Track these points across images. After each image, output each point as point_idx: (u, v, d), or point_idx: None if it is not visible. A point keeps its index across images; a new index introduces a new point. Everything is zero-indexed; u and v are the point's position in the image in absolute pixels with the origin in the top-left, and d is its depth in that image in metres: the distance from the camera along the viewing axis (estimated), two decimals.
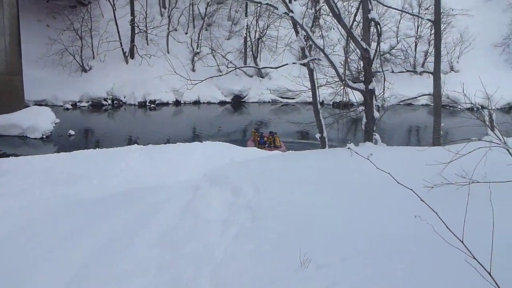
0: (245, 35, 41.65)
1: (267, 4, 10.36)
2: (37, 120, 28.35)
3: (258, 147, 25.09)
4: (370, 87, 9.59)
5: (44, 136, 27.92)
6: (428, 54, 43.18)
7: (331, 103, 39.83)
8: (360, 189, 6.96)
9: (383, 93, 10.57)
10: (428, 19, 11.90)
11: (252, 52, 42.72)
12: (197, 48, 42.16)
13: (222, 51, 42.10)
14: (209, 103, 40.23)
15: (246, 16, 43.67)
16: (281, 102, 41.63)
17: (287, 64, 11.59)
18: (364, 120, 9.83)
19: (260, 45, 43.31)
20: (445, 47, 41.01)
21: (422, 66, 41.94)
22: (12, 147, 25.46)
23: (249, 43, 42.68)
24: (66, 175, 12.32)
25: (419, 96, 12.51)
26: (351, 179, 7.46)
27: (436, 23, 11.77)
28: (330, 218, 6.14)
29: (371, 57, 9.61)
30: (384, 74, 10.72)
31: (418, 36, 43.68)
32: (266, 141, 25.94)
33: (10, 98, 28.86)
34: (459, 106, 29.55)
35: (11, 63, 29.68)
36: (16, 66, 30.14)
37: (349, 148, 7.46)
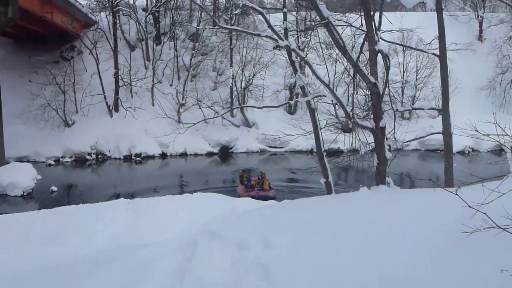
0: (231, 84, 41.10)
1: (266, 36, 9.52)
2: (18, 177, 27.11)
3: (246, 191, 24.50)
4: (380, 124, 8.69)
5: (25, 193, 26.62)
6: (416, 99, 42.97)
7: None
8: (388, 237, 5.92)
9: (394, 132, 9.65)
10: (433, 53, 11.10)
11: (238, 102, 42.11)
12: (182, 100, 41.45)
13: (208, 101, 41.46)
14: (196, 154, 39.21)
15: (231, 66, 43.28)
16: (269, 151, 40.77)
17: (288, 102, 10.66)
18: (376, 161, 8.86)
19: (246, 95, 42.77)
20: (432, 91, 40.84)
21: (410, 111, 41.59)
22: None
23: (235, 93, 42.11)
24: (42, 234, 11.11)
25: (428, 135, 11.54)
26: (374, 225, 6.41)
27: (442, 57, 10.99)
28: (361, 274, 5.06)
29: (380, 92, 8.76)
30: (394, 111, 9.86)
31: (404, 81, 43.48)
32: (254, 185, 25.03)
33: None
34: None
35: None
36: None
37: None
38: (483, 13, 50.20)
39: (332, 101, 9.17)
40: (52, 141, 36.59)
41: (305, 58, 9.69)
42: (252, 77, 42.11)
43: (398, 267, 5.12)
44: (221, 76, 44.96)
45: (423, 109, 11.89)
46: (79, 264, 8.00)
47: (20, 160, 32.44)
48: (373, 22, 8.55)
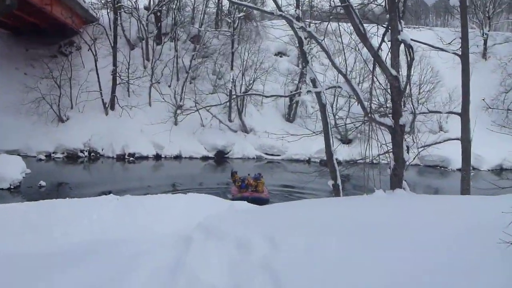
0: (230, 88, 40.28)
1: (281, 15, 8.70)
2: (5, 169, 26.08)
3: (240, 192, 24.34)
4: (400, 122, 7.88)
5: (12, 187, 25.61)
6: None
7: (318, 160, 38.57)
8: (407, 241, 5.11)
9: (414, 132, 8.85)
10: (454, 53, 10.32)
11: (237, 107, 41.31)
12: (180, 101, 40.59)
13: (207, 104, 40.59)
14: (191, 158, 38.35)
15: (232, 69, 42.53)
16: (266, 158, 39.94)
17: (299, 92, 9.82)
18: (392, 163, 8.04)
19: (245, 99, 41.96)
20: (434, 106, 40.14)
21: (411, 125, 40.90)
22: None
23: (234, 97, 41.30)
24: (22, 225, 10.22)
25: (446, 141, 10.74)
26: (392, 229, 5.59)
27: (464, 57, 10.23)
28: (378, 280, 4.24)
29: (401, 87, 7.96)
30: (414, 109, 9.06)
31: (407, 95, 42.75)
32: (248, 186, 24.68)
33: None
34: (450, 167, 27.95)
35: None
36: None
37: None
38: (488, 31, 49.76)
39: (348, 94, 8.39)
40: (44, 136, 35.70)
41: (322, 43, 8.87)
42: (253, 82, 41.35)
43: (415, 272, 4.35)
44: (221, 79, 44.23)
45: (441, 112, 11.12)
46: (55, 255, 7.11)
47: (10, 153, 31.36)
48: (397, 9, 7.79)
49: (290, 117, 43.11)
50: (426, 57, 39.85)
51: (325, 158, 38.08)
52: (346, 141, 36.69)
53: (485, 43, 49.73)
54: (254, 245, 5.29)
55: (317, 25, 10.24)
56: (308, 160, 39.48)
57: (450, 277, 4.19)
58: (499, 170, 39.72)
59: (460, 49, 10.39)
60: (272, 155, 40.08)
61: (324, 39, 9.00)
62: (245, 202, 18.43)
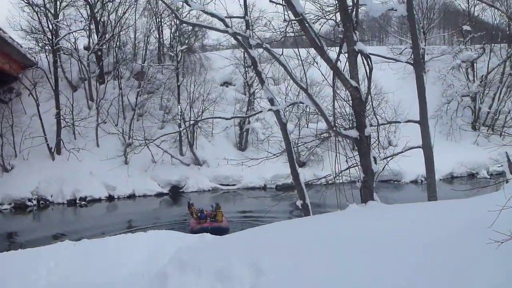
0: (179, 121, 39.76)
1: (235, 33, 8.42)
2: None
3: (199, 222, 24.46)
4: (365, 133, 7.71)
5: None
6: None
7: (274, 186, 38.41)
8: (391, 254, 4.85)
9: (378, 142, 8.72)
10: (407, 62, 10.35)
11: (188, 140, 40.77)
12: (129, 139, 39.69)
13: (156, 140, 39.87)
14: (145, 195, 37.47)
15: (179, 103, 42.11)
16: (221, 189, 39.48)
17: (261, 111, 9.58)
18: (362, 175, 7.84)
19: (195, 132, 41.49)
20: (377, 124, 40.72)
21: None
22: None
23: (184, 130, 40.73)
24: None
25: (407, 150, 10.67)
26: (376, 243, 5.33)
27: (417, 64, 10.25)
28: None
29: (362, 97, 7.82)
30: (377, 120, 8.95)
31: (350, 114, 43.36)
32: (207, 216, 24.97)
33: None
34: (403, 180, 28.31)
35: None
36: None
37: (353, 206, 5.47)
38: (425, 45, 51.34)
39: (307, 108, 8.18)
40: None
41: (279, 57, 8.64)
42: (201, 114, 40.95)
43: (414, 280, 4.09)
44: (169, 114, 43.70)
45: (400, 122, 11.07)
46: None
47: None
48: (351, 20, 7.68)
49: (241, 145, 42.94)
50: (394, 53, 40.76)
51: (280, 183, 38.03)
52: (300, 164, 36.70)
53: (423, 58, 51.27)
54: (237, 274, 4.90)
55: (269, 44, 10.04)
56: (264, 186, 39.30)
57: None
58: (451, 178, 40.60)
59: (412, 58, 10.44)
60: (227, 185, 39.72)
61: (282, 54, 8.80)
62: (209, 235, 18.01)
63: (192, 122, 34.43)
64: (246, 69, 44.38)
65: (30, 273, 10.59)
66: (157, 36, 49.68)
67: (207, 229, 22.71)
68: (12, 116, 37.93)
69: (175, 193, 38.44)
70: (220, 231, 22.99)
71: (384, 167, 9.68)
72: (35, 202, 35.00)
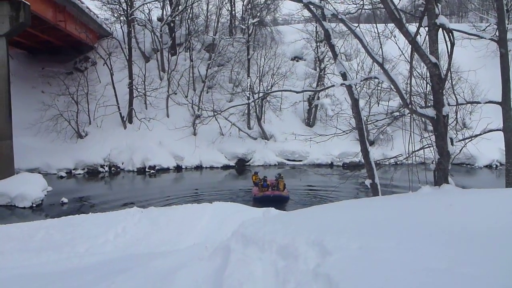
0: (248, 95, 39.72)
1: (309, 3, 8.09)
2: (27, 188, 25.75)
3: (261, 190, 25.04)
4: (443, 112, 7.23)
5: (34, 205, 25.22)
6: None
7: (341, 163, 37.88)
8: (477, 241, 4.45)
9: (456, 123, 8.20)
10: (491, 39, 9.65)
11: (256, 113, 40.71)
12: (198, 111, 40.12)
13: (224, 112, 40.09)
14: (211, 167, 37.84)
15: (248, 76, 42.06)
16: (287, 164, 39.28)
17: (333, 85, 9.22)
18: (437, 156, 7.39)
19: (264, 106, 41.38)
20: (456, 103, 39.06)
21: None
22: None
23: (252, 104, 40.67)
24: (44, 243, 9.72)
25: (486, 132, 10.03)
26: (457, 229, 4.91)
27: (502, 42, 9.55)
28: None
29: (442, 74, 7.33)
30: (456, 99, 8.43)
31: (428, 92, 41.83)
32: (269, 185, 25.48)
33: None
34: (477, 164, 26.84)
35: (0, 127, 27.38)
36: (6, 130, 27.69)
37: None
38: (508, 24, 48.51)
39: (379, 85, 7.77)
40: (64, 153, 35.46)
41: (355, 29, 8.22)
42: (271, 88, 40.70)
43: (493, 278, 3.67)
44: (238, 87, 43.73)
45: (479, 102, 10.42)
46: (82, 273, 6.57)
47: (31, 171, 31.12)
48: None
49: (309, 121, 42.44)
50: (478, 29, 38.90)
51: (347, 161, 37.34)
52: (369, 142, 35.90)
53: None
54: (301, 252, 4.69)
55: (345, 15, 9.61)
56: (331, 164, 38.77)
57: None
58: None
59: (496, 35, 9.74)
60: (293, 160, 39.45)
61: (358, 26, 8.39)
62: (273, 209, 17.96)
63: (261, 94, 34.22)
64: (318, 44, 43.61)
65: (97, 237, 10.84)
66: (229, 8, 49.70)
67: (269, 196, 24.03)
68: (87, 84, 39.08)
69: (241, 166, 38.59)
70: (282, 199, 24.46)
71: (462, 149, 9.14)
72: (106, 168, 36.14)
